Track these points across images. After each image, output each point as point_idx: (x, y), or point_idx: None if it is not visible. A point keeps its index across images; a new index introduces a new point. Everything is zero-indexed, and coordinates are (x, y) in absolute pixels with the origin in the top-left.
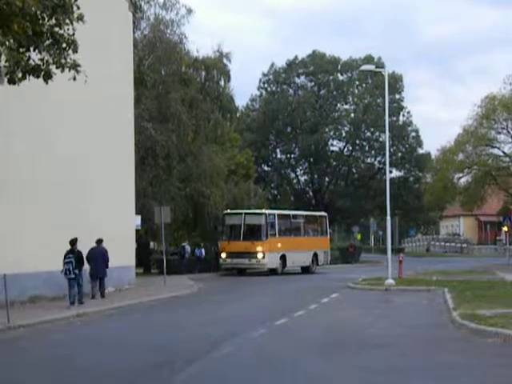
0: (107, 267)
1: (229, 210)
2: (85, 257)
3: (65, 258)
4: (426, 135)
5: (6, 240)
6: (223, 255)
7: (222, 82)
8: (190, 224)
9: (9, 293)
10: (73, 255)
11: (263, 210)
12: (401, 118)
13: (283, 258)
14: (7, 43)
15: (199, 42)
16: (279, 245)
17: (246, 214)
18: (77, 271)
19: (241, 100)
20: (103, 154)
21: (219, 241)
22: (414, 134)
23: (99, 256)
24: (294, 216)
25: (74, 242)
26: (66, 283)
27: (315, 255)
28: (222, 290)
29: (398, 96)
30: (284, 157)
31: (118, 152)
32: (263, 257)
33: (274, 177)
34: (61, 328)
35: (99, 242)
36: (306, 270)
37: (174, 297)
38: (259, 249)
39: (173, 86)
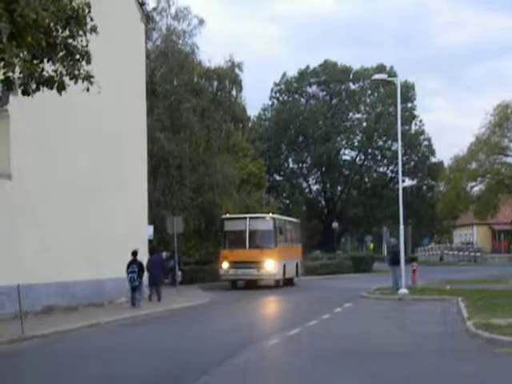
0: (164, 274)
1: (228, 215)
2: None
3: (128, 267)
4: (439, 144)
5: (20, 250)
6: (225, 265)
7: (234, 92)
8: (202, 234)
9: (22, 303)
10: (136, 265)
11: (271, 215)
12: (413, 126)
13: (284, 268)
14: (21, 55)
15: (211, 52)
16: (283, 253)
17: (250, 218)
18: (140, 279)
19: (253, 109)
20: (116, 164)
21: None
22: (426, 142)
23: (157, 264)
24: (289, 222)
25: (135, 253)
26: (81, 293)
27: (297, 265)
28: (233, 299)
29: (410, 105)
30: (296, 166)
31: (131, 162)
32: (274, 267)
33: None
34: (73, 338)
35: (157, 251)
36: (289, 282)
37: (187, 307)
38: (269, 258)
39: (185, 96)
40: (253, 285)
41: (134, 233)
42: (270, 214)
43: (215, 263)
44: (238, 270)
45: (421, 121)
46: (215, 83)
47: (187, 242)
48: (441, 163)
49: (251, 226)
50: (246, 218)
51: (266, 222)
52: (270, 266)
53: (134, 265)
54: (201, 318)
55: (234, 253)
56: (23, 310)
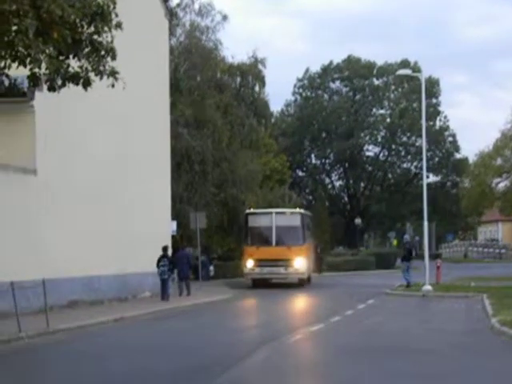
0: (190, 269)
1: (252, 209)
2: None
3: (159, 261)
4: (464, 139)
5: (45, 245)
6: (249, 263)
7: (257, 88)
8: (224, 229)
9: (48, 298)
10: (166, 259)
11: (298, 209)
12: (437, 122)
13: (309, 265)
14: (47, 51)
15: (234, 48)
16: (309, 250)
17: (276, 213)
18: (170, 273)
19: (275, 105)
20: (140, 160)
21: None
22: (450, 138)
23: (184, 259)
24: (309, 217)
25: (166, 249)
26: (105, 288)
27: (313, 262)
28: (256, 296)
29: (434, 100)
30: (319, 162)
31: (155, 157)
32: (302, 265)
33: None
34: (98, 332)
35: (183, 247)
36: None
37: (210, 302)
38: (298, 256)
39: (208, 92)
40: (268, 282)
41: (158, 228)
42: (298, 209)
43: (238, 259)
44: (263, 268)
45: (445, 117)
46: (238, 79)
47: (210, 237)
48: (465, 159)
49: (278, 222)
50: (271, 212)
51: (293, 217)
52: (299, 264)
53: (164, 259)
54: (224, 313)
55: (259, 250)
56: (48, 304)
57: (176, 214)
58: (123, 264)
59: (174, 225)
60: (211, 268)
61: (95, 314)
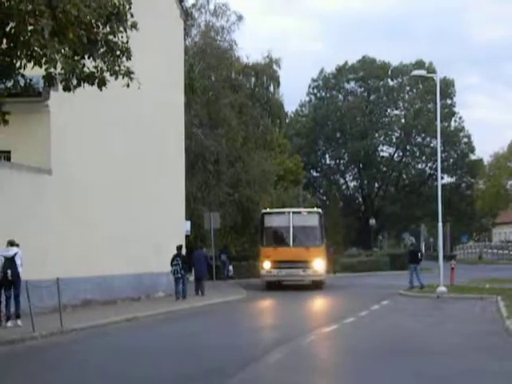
0: (208, 269)
1: (269, 209)
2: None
3: (173, 260)
4: (479, 140)
5: (60, 245)
6: (266, 265)
7: (272, 88)
8: (238, 229)
9: (62, 297)
10: (180, 258)
11: (316, 209)
12: (452, 123)
13: (326, 267)
14: (63, 51)
15: (249, 48)
16: (325, 251)
17: (294, 213)
18: (183, 272)
19: (290, 105)
20: (154, 160)
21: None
22: (465, 139)
23: (201, 259)
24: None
25: (180, 248)
26: (119, 287)
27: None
28: (270, 297)
29: (449, 101)
30: (333, 162)
31: (169, 157)
32: (321, 266)
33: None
34: (111, 332)
35: (200, 247)
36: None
37: (223, 302)
38: (317, 257)
39: (223, 92)
40: (282, 284)
41: (172, 228)
42: (315, 209)
43: (253, 260)
44: (281, 270)
45: (460, 117)
46: (253, 79)
47: (224, 237)
48: (480, 160)
49: (295, 222)
50: (289, 212)
51: (311, 216)
52: (318, 265)
53: (178, 258)
54: (238, 314)
55: (276, 251)
56: (62, 303)
57: (190, 214)
58: (137, 264)
59: (187, 225)
60: (230, 268)
61: (108, 314)
